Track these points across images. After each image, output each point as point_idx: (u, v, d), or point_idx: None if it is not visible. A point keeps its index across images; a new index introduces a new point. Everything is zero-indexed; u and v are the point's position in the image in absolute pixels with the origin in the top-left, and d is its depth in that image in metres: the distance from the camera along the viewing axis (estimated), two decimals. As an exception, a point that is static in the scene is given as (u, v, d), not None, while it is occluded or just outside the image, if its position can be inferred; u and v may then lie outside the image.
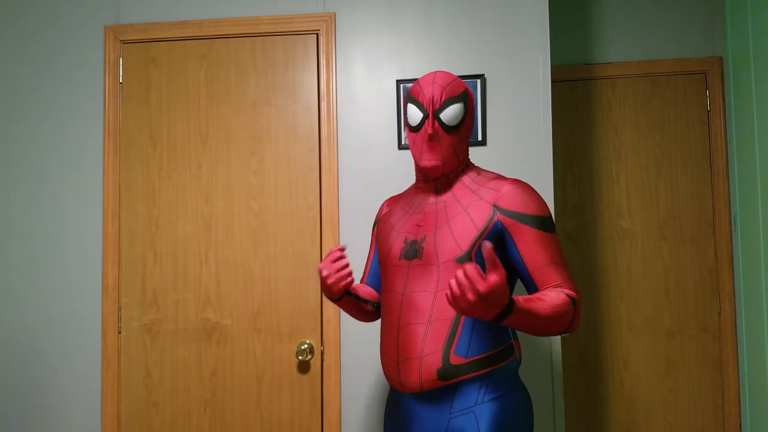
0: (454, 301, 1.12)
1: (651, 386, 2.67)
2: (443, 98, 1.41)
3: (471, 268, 1.10)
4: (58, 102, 2.29)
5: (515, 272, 1.44)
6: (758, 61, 2.30)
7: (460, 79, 1.46)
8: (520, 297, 1.21)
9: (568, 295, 1.29)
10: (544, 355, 2.05)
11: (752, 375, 2.44)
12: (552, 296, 1.26)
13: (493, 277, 1.10)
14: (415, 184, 1.56)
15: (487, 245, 1.09)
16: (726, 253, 2.65)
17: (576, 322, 1.30)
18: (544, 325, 1.24)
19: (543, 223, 1.37)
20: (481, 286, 1.09)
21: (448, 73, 1.45)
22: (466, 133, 1.46)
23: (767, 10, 2.21)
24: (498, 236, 1.38)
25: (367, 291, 1.63)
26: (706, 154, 2.70)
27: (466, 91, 1.45)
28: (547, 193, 2.09)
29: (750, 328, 2.45)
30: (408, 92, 1.47)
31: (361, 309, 1.60)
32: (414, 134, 1.45)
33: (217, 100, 2.23)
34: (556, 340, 2.04)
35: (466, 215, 1.39)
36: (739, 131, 2.53)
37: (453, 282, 1.12)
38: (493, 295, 1.10)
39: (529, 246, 1.36)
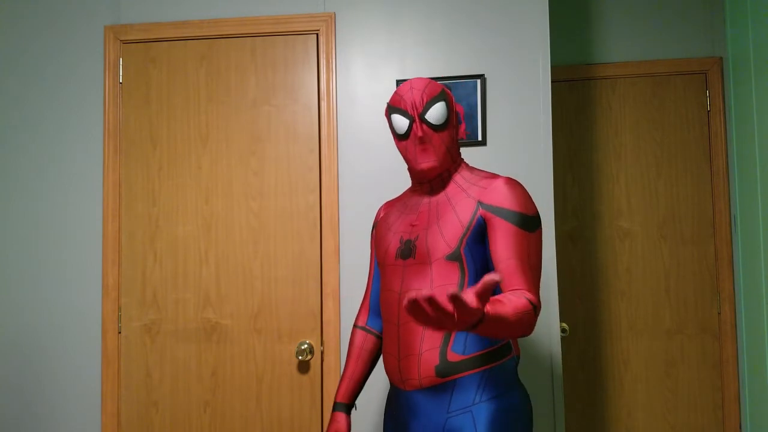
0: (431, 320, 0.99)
1: (651, 386, 2.67)
2: (425, 100, 1.43)
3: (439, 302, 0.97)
4: (58, 102, 2.29)
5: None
6: (758, 61, 2.30)
7: (435, 81, 1.48)
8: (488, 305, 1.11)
9: (529, 301, 1.23)
10: (544, 355, 2.05)
11: (752, 375, 2.44)
12: (515, 301, 1.19)
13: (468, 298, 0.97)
14: (411, 187, 1.58)
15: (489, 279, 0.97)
16: (726, 253, 2.65)
17: (532, 328, 1.24)
18: (508, 331, 1.16)
19: (522, 220, 1.35)
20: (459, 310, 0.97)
21: (422, 77, 1.48)
22: (453, 130, 1.47)
23: (767, 10, 2.21)
24: (481, 231, 1.39)
25: (358, 370, 1.62)
26: (706, 154, 2.70)
27: (444, 91, 1.47)
28: (547, 193, 2.09)
29: (750, 328, 2.45)
30: (388, 104, 1.49)
31: (370, 374, 1.66)
32: (404, 142, 1.47)
33: (217, 100, 2.23)
34: (556, 339, 2.04)
35: (454, 213, 1.41)
36: (739, 131, 2.53)
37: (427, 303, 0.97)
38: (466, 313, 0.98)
39: (501, 239, 1.34)
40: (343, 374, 1.62)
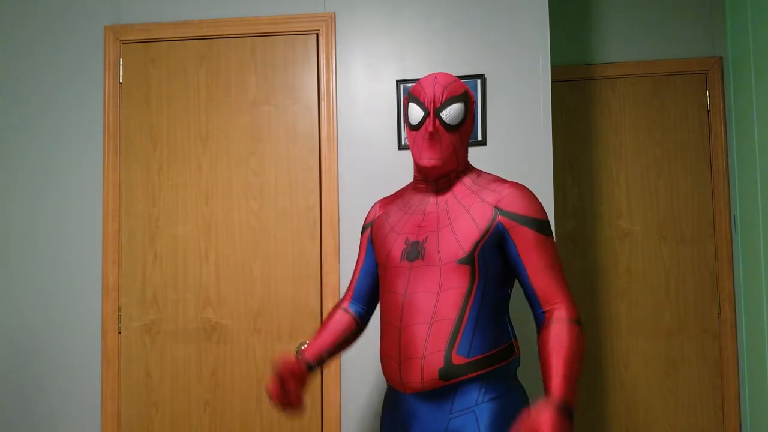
0: None
1: (651, 386, 2.67)
2: (444, 97, 1.42)
3: None
4: (58, 102, 2.29)
5: (514, 273, 1.44)
6: (758, 61, 2.30)
7: (460, 80, 1.47)
8: (555, 381, 1.26)
9: (572, 320, 1.33)
10: (544, 355, 2.05)
11: (752, 375, 2.44)
12: (567, 340, 1.31)
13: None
14: (412, 184, 1.56)
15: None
16: (726, 253, 2.65)
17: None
18: (581, 360, 1.32)
19: (542, 226, 1.39)
20: None
21: (449, 74, 1.47)
22: (466, 133, 1.47)
23: (767, 10, 2.21)
24: (499, 238, 1.39)
25: (327, 339, 1.58)
26: (706, 154, 2.70)
27: (466, 92, 1.46)
28: (547, 192, 2.09)
29: (750, 328, 2.45)
30: (409, 92, 1.48)
31: (340, 351, 1.60)
32: (414, 133, 1.45)
33: (217, 101, 2.23)
34: (556, 340, 2.04)
35: (468, 216, 1.40)
36: (739, 131, 2.53)
37: None
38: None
39: (529, 249, 1.37)
40: (311, 341, 1.58)
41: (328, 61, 2.18)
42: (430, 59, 2.16)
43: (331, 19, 2.19)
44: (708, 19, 2.72)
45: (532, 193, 1.42)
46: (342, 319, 1.61)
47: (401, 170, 2.15)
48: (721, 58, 2.69)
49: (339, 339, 1.59)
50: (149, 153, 2.24)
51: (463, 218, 1.40)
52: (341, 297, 1.71)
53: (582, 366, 1.30)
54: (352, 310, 1.64)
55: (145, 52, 2.26)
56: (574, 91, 2.79)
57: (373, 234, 1.58)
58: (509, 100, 2.12)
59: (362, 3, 2.20)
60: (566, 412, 1.20)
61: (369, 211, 1.66)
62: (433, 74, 1.45)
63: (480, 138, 2.11)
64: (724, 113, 2.68)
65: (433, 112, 1.41)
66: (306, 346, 1.55)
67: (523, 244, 1.37)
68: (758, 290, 2.33)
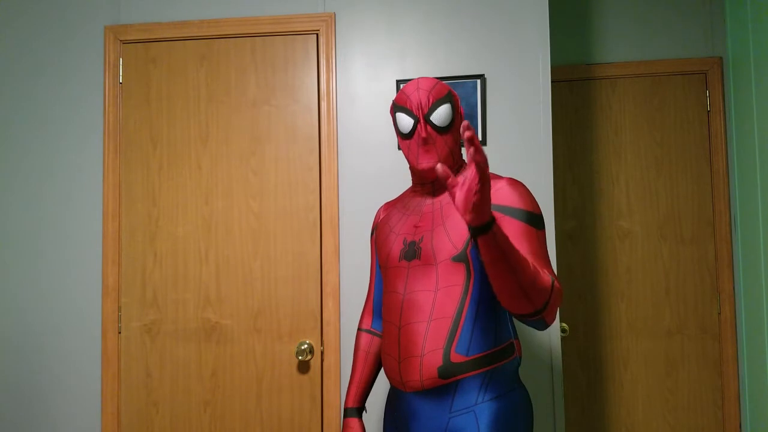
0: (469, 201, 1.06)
1: (651, 386, 2.67)
2: (431, 101, 1.43)
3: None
4: (58, 102, 2.29)
5: None
6: (758, 61, 2.30)
7: (442, 82, 1.48)
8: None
9: (552, 280, 1.23)
10: (544, 355, 2.05)
11: (752, 375, 2.44)
12: (536, 265, 1.22)
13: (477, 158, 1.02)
14: (411, 188, 1.58)
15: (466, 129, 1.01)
16: (726, 253, 2.65)
17: (550, 310, 1.22)
18: (519, 276, 1.14)
19: (530, 217, 1.36)
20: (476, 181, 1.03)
21: (429, 77, 1.48)
22: (457, 132, 1.48)
23: (767, 10, 2.21)
24: None
25: (363, 376, 1.63)
26: (706, 154, 2.70)
27: (450, 92, 1.47)
28: (547, 193, 2.09)
29: (750, 328, 2.45)
30: (394, 102, 1.49)
31: (379, 371, 1.67)
32: (408, 141, 1.47)
33: (217, 100, 2.23)
34: (556, 339, 2.04)
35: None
36: (739, 131, 2.53)
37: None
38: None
39: (512, 237, 1.35)
40: (351, 378, 1.62)
41: (328, 61, 2.18)
42: (430, 59, 2.16)
43: (331, 19, 2.19)
44: (708, 19, 2.72)
45: (525, 188, 1.41)
46: (372, 346, 1.64)
47: (401, 170, 2.15)
48: (721, 58, 2.69)
49: (376, 368, 1.64)
50: (149, 153, 2.24)
51: (455, 216, 1.41)
52: (361, 313, 1.72)
53: (522, 280, 1.14)
54: (376, 329, 1.66)
55: (145, 52, 2.26)
56: (574, 91, 2.79)
57: (376, 236, 1.60)
58: (509, 100, 2.12)
59: (362, 3, 2.20)
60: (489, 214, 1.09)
61: (375, 216, 1.68)
62: (414, 81, 1.46)
63: (480, 138, 2.11)
64: (724, 113, 2.68)
65: (422, 118, 1.43)
66: (349, 389, 1.62)
67: (508, 233, 1.35)
68: (758, 290, 2.33)
